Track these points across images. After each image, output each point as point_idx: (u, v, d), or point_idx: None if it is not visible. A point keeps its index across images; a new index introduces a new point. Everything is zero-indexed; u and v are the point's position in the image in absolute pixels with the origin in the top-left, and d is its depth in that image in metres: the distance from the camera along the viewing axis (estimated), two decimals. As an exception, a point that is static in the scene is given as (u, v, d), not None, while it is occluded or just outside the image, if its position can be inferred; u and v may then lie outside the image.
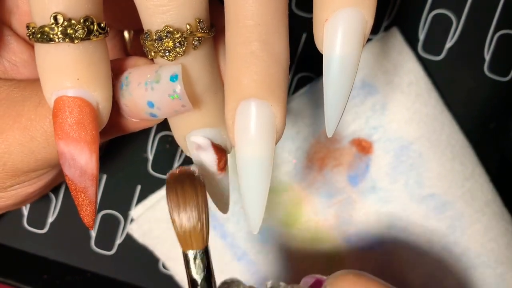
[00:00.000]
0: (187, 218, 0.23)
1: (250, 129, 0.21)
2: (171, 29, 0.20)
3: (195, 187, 0.23)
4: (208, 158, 0.24)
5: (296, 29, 0.35)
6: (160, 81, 0.21)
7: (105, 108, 0.21)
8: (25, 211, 0.37)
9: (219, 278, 0.33)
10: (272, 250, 0.36)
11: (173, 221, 0.23)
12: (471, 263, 0.36)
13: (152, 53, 0.21)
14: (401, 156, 0.35)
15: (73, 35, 0.20)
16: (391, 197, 0.36)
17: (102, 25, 0.21)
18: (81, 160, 0.21)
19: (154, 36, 0.21)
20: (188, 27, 0.21)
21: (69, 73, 0.20)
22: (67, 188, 0.36)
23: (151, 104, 0.22)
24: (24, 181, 0.25)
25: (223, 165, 0.25)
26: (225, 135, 0.24)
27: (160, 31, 0.21)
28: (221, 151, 0.24)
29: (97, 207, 0.22)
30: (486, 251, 0.36)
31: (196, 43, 0.21)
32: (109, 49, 0.29)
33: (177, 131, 0.24)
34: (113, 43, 0.29)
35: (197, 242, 0.23)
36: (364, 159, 0.36)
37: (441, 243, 0.36)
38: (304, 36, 0.35)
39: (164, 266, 0.37)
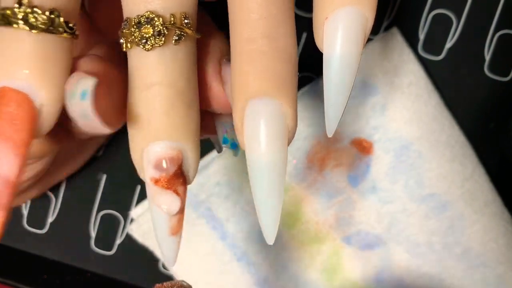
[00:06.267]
0: None
1: (260, 130, 0.20)
2: (152, 15, 0.19)
3: None
4: (166, 197, 0.21)
5: (296, 29, 0.35)
6: (75, 96, 0.19)
7: (49, 112, 0.19)
8: (25, 211, 0.37)
9: (218, 279, 0.33)
10: (272, 251, 0.36)
11: None
12: (471, 263, 0.36)
13: (128, 44, 0.20)
14: (401, 156, 0.35)
15: (33, 24, 0.18)
16: (391, 197, 0.36)
17: (70, 24, 0.19)
18: (3, 162, 0.19)
19: (133, 21, 0.20)
20: (171, 17, 0.20)
21: (20, 64, 0.19)
22: (67, 188, 0.36)
23: (74, 117, 0.19)
24: None
25: (177, 223, 0.21)
26: (190, 159, 0.21)
27: (141, 16, 0.19)
28: (182, 177, 0.21)
29: (9, 219, 0.19)
30: (486, 251, 0.36)
31: (177, 37, 0.20)
32: (104, 52, 0.28)
33: (135, 141, 0.21)
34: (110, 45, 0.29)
35: None
36: (364, 159, 0.35)
37: (441, 243, 0.36)
38: (304, 35, 0.35)
39: (164, 266, 0.37)
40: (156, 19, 0.19)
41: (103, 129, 0.19)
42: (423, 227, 0.36)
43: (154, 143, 0.20)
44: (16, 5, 0.18)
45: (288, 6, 0.20)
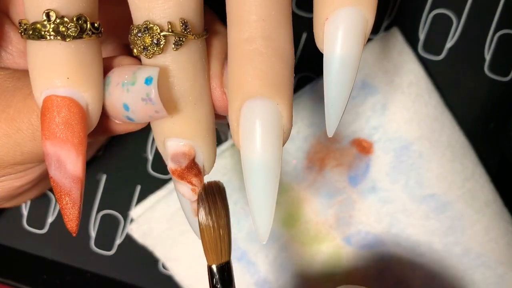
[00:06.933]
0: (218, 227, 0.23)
1: (256, 130, 0.20)
2: (151, 25, 0.20)
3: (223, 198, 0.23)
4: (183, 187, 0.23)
5: (296, 29, 0.35)
6: (135, 83, 0.20)
7: (94, 109, 0.21)
8: (25, 211, 0.36)
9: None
10: (272, 251, 0.36)
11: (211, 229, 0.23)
12: (471, 264, 0.36)
13: (135, 50, 0.21)
14: (401, 156, 0.35)
15: (65, 33, 0.19)
16: (391, 197, 0.36)
17: (95, 25, 0.20)
18: (67, 162, 0.20)
19: (135, 31, 0.20)
20: (169, 25, 0.20)
21: (59, 72, 0.20)
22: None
23: (126, 107, 0.21)
24: (10, 173, 0.25)
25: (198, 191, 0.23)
26: (203, 154, 0.22)
27: (140, 25, 0.20)
28: (196, 170, 0.22)
29: (81, 211, 0.21)
30: (486, 251, 0.36)
31: (176, 43, 0.20)
32: (109, 52, 0.29)
33: (156, 135, 0.23)
34: (114, 46, 0.29)
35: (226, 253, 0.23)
36: (364, 159, 0.35)
37: (442, 243, 0.36)
38: (304, 36, 0.35)
39: (163, 266, 0.37)
40: (154, 28, 0.20)
41: (162, 112, 0.20)
42: (423, 227, 0.36)
43: (168, 139, 0.22)
44: (45, 18, 0.19)
45: (286, 8, 0.20)
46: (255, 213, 0.21)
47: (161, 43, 0.20)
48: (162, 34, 0.20)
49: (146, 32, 0.20)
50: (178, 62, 0.21)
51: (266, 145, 0.20)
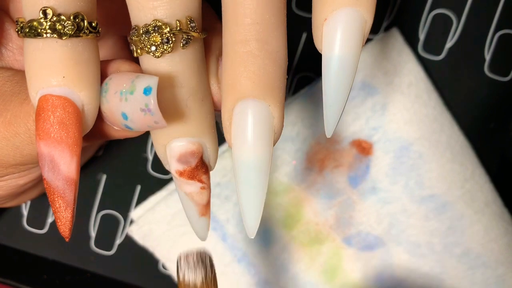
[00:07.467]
0: None
1: (247, 130, 0.21)
2: (159, 23, 0.20)
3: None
4: (191, 187, 0.23)
5: (296, 29, 0.35)
6: (134, 93, 0.20)
7: (90, 110, 0.20)
8: (25, 211, 0.37)
9: (219, 280, 0.33)
10: (272, 252, 0.36)
11: None
12: (471, 264, 0.36)
13: (138, 50, 0.21)
14: (401, 157, 0.35)
15: (61, 31, 0.19)
16: (391, 198, 0.36)
17: (93, 24, 0.20)
18: (61, 163, 0.20)
19: (141, 30, 0.20)
20: (177, 23, 0.20)
21: (55, 71, 0.19)
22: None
23: (125, 116, 0.20)
24: (14, 173, 0.25)
25: (205, 206, 0.23)
26: (209, 149, 0.23)
27: (148, 25, 0.20)
28: (204, 167, 0.23)
29: (75, 215, 0.21)
30: (486, 251, 0.36)
31: (185, 41, 0.20)
32: (109, 47, 0.29)
33: (157, 139, 0.22)
34: (113, 40, 0.29)
35: None
36: (364, 160, 0.35)
37: (441, 244, 0.36)
38: (304, 36, 0.35)
39: (164, 266, 0.37)
40: (163, 27, 0.20)
41: (162, 123, 0.20)
42: (423, 228, 0.36)
43: (175, 140, 0.22)
44: (42, 16, 0.19)
45: (281, 11, 0.21)
46: (244, 210, 0.22)
47: (171, 41, 0.20)
48: (172, 32, 0.20)
49: (156, 31, 0.20)
50: (186, 60, 0.21)
51: (257, 144, 0.21)
